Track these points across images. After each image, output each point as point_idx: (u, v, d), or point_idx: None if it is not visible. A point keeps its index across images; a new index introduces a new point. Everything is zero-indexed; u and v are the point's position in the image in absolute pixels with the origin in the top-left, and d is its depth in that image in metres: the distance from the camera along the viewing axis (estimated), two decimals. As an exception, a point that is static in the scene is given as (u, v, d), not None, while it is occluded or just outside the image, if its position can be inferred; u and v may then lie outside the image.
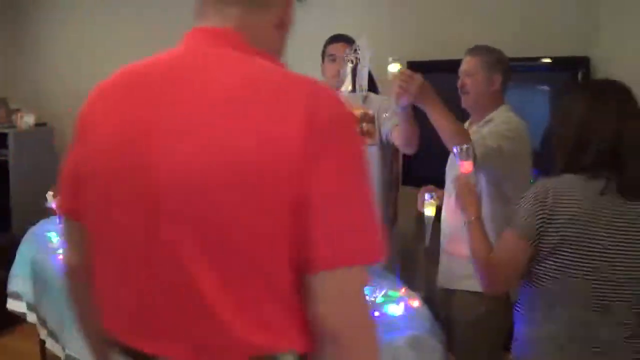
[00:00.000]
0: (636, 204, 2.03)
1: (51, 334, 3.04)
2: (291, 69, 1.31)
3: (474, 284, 2.88)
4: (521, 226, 2.09)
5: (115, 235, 1.30)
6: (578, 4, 4.39)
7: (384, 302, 2.65)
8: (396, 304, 2.69)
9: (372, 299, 2.46)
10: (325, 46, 3.44)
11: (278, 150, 1.16)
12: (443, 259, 3.17)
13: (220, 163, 1.17)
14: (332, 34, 3.55)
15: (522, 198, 2.15)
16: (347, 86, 2.93)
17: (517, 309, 2.28)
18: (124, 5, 5.89)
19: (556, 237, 2.04)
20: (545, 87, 4.32)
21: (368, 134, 2.92)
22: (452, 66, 3.21)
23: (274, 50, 1.43)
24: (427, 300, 3.02)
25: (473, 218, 2.40)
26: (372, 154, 3.34)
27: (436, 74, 3.74)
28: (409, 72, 2.68)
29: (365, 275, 1.26)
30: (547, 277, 2.10)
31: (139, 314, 1.31)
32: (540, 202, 2.06)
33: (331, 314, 1.19)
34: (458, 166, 2.59)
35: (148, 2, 5.78)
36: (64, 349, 2.83)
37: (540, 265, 2.11)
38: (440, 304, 3.20)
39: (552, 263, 2.08)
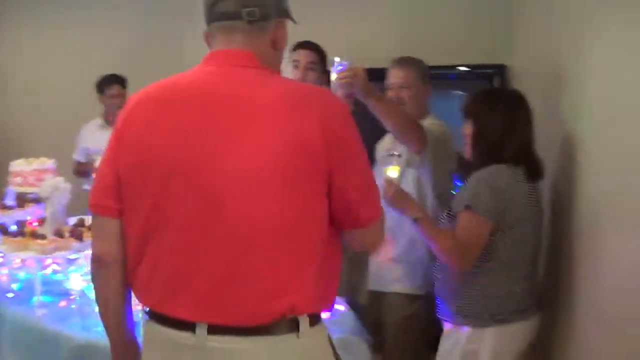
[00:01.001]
0: (537, 185, 2.58)
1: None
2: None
3: (403, 287, 3.06)
4: (486, 208, 2.44)
5: (174, 220, 1.65)
6: (495, 15, 4.61)
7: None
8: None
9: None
10: (290, 52, 3.45)
11: (310, 149, 1.60)
12: (372, 264, 3.29)
13: (269, 161, 1.59)
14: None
15: (470, 186, 2.52)
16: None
17: (467, 276, 2.56)
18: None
19: (515, 215, 2.47)
20: (463, 94, 4.52)
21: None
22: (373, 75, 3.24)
23: (274, 66, 1.82)
24: (352, 304, 3.13)
25: (420, 215, 2.58)
26: None
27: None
28: (353, 67, 2.74)
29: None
30: (504, 247, 2.49)
31: (193, 286, 1.64)
32: (498, 186, 2.46)
33: (369, 243, 1.92)
34: (384, 171, 2.74)
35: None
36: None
37: (499, 239, 2.49)
38: (369, 307, 3.34)
39: (509, 236, 2.49)
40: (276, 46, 1.80)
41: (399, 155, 3.13)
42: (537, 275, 2.65)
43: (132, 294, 1.83)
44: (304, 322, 1.66)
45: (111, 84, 5.05)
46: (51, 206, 2.93)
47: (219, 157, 1.61)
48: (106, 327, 1.88)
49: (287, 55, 2.95)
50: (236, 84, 1.69)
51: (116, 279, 1.80)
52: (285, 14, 1.82)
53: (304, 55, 3.54)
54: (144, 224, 1.69)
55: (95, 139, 5.09)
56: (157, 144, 1.66)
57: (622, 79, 2.10)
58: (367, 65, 2.88)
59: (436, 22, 4.77)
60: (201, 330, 1.63)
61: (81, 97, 5.32)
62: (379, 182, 2.00)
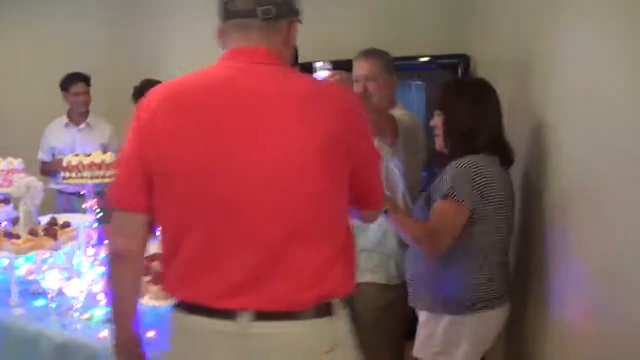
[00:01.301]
0: (508, 172, 2.65)
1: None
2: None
3: (378, 277, 3.09)
4: (465, 196, 2.48)
5: (210, 212, 1.70)
6: (457, 5, 4.68)
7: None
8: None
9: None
10: None
11: (337, 142, 1.72)
12: None
13: (307, 153, 1.69)
14: None
15: (448, 175, 2.54)
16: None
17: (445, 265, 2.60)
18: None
19: (493, 203, 2.51)
20: (425, 84, 4.61)
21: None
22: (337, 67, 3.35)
23: (287, 63, 1.88)
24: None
25: (388, 206, 2.57)
26: None
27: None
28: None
29: None
30: (482, 235, 2.54)
31: (232, 276, 1.71)
32: (474, 175, 2.49)
33: (375, 218, 2.16)
34: None
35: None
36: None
37: (477, 227, 2.53)
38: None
39: (487, 224, 2.53)
40: (288, 45, 1.87)
41: None
42: (509, 262, 2.70)
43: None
44: (336, 305, 1.78)
45: (75, 82, 5.05)
46: (24, 205, 2.90)
47: (257, 149, 1.69)
48: (116, 320, 1.93)
49: None
50: (262, 80, 1.76)
51: (134, 274, 1.88)
52: (296, 13, 1.89)
53: None
54: (179, 216, 1.75)
55: (60, 138, 5.10)
56: (189, 138, 1.72)
57: (591, 65, 2.14)
58: (332, 57, 2.95)
59: (399, 14, 4.84)
60: (243, 317, 1.70)
61: (43, 96, 5.30)
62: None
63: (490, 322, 2.61)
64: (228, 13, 1.82)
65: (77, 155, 3.60)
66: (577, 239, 2.24)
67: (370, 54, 3.23)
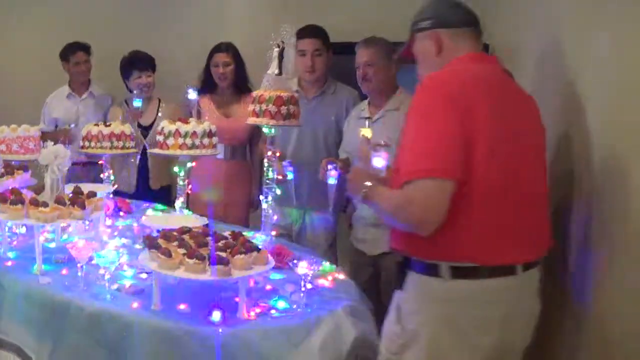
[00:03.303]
0: None
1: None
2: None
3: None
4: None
5: (510, 184, 2.17)
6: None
7: (316, 276, 2.79)
8: (325, 278, 2.86)
9: (311, 272, 2.59)
10: (295, 39, 3.50)
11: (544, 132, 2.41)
12: (369, 231, 3.65)
13: (543, 140, 2.39)
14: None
15: None
16: (273, 69, 3.03)
17: None
18: None
19: None
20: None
21: (293, 115, 3.04)
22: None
23: None
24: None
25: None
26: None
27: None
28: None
29: None
30: None
31: (520, 235, 2.21)
32: None
33: None
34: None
35: None
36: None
37: None
38: (367, 269, 3.76)
39: None
40: None
41: (369, 118, 3.66)
42: None
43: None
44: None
45: (75, 51, 5.00)
46: (52, 173, 2.87)
47: (525, 135, 2.26)
48: None
49: (291, 40, 3.06)
50: (509, 79, 2.39)
51: None
52: None
53: (309, 44, 3.94)
54: (491, 187, 2.13)
55: (62, 108, 5.03)
56: (504, 122, 2.17)
57: (616, 58, 2.17)
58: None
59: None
60: (520, 270, 2.21)
61: (49, 67, 5.24)
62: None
63: None
64: (464, 19, 2.37)
65: (97, 125, 3.57)
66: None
67: (369, 42, 3.66)
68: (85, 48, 5.03)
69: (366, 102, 3.82)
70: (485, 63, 2.38)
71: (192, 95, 3.49)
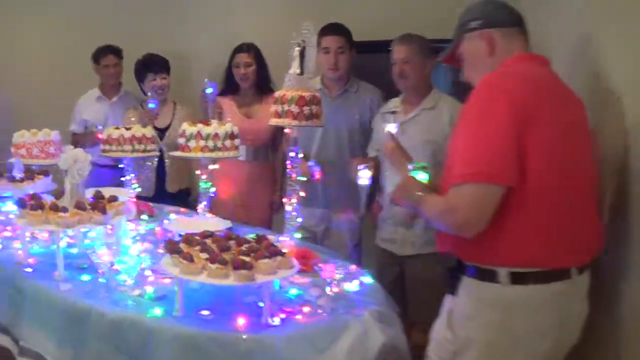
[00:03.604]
0: None
1: (-1, 326, 2.95)
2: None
3: (432, 247, 3.09)
4: None
5: (564, 187, 2.13)
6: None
7: (342, 279, 2.73)
8: (350, 282, 2.79)
9: (337, 276, 2.53)
10: (318, 37, 3.53)
11: None
12: (398, 231, 3.62)
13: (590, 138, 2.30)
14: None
15: None
16: (294, 69, 2.98)
17: None
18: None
19: None
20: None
21: (316, 115, 2.98)
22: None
23: None
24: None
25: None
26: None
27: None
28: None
29: None
30: None
31: (575, 238, 2.17)
32: None
33: None
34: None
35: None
36: (16, 340, 2.76)
37: None
38: (393, 269, 3.71)
39: None
40: None
41: (393, 113, 3.58)
42: None
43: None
44: None
45: (106, 54, 5.02)
46: (72, 178, 2.83)
47: (577, 137, 2.22)
48: None
49: (312, 39, 3.02)
50: (562, 81, 2.31)
51: None
52: None
53: (332, 41, 3.90)
54: (548, 191, 2.10)
55: (93, 111, 5.06)
56: (561, 125, 2.14)
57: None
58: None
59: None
60: (575, 273, 2.18)
61: (77, 68, 5.24)
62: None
63: None
64: (514, 19, 2.34)
65: (117, 128, 3.53)
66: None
67: (407, 38, 3.58)
68: (116, 51, 5.06)
69: (398, 99, 3.75)
70: (539, 64, 2.33)
71: (210, 90, 3.45)
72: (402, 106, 3.68)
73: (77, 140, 4.88)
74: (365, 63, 4.16)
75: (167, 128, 4.70)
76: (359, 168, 3.01)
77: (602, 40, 2.65)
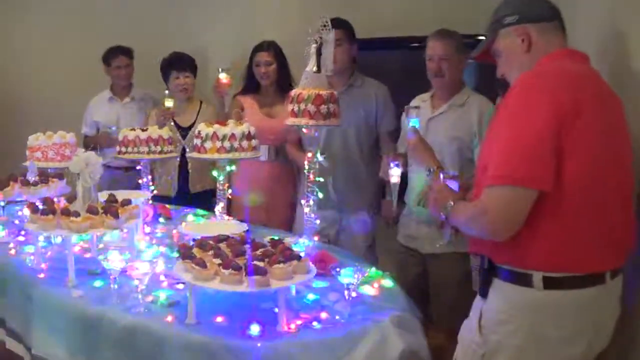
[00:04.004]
0: None
1: (11, 333, 2.91)
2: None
3: (459, 246, 3.01)
4: None
5: (600, 189, 2.06)
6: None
7: (361, 283, 2.64)
8: (370, 285, 2.70)
9: (355, 280, 2.44)
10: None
11: None
12: (422, 229, 3.53)
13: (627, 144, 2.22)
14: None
15: None
16: (312, 66, 2.90)
17: None
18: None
19: None
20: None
21: (333, 114, 2.89)
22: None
23: None
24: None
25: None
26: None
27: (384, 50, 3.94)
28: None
29: None
30: None
31: (609, 242, 2.11)
32: None
33: None
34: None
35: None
36: (29, 348, 2.71)
37: None
38: (415, 268, 3.64)
39: None
40: None
41: (417, 107, 3.31)
42: None
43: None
44: None
45: (117, 55, 4.96)
46: (84, 182, 2.76)
47: (616, 138, 2.14)
48: None
49: (329, 36, 2.94)
50: (602, 79, 2.22)
51: None
52: None
53: (340, 35, 3.72)
54: (585, 195, 2.03)
55: (104, 112, 5.01)
56: (602, 127, 2.07)
57: None
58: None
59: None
60: (608, 277, 2.12)
61: (85, 69, 5.21)
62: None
63: None
64: (554, 12, 2.24)
65: (133, 129, 3.47)
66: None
67: (443, 34, 3.45)
68: (126, 52, 4.99)
69: (428, 94, 3.65)
70: (580, 61, 2.23)
71: (222, 76, 3.53)
72: (430, 101, 3.60)
73: (89, 142, 4.84)
74: (385, 60, 4.07)
75: (191, 126, 4.61)
76: (390, 165, 2.92)
77: (631, 36, 2.58)
